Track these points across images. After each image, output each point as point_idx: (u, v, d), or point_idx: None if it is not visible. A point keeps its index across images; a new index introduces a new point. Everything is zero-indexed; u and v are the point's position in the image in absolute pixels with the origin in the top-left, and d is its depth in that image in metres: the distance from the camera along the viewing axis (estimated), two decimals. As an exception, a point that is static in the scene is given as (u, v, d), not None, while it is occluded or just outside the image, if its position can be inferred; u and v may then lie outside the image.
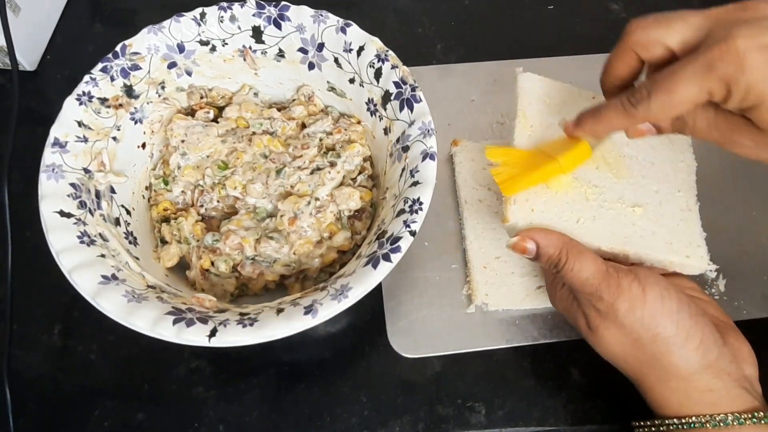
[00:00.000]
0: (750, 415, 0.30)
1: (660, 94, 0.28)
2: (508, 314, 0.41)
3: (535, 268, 0.42)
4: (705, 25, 0.28)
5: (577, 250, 0.32)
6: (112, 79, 0.39)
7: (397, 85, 0.38)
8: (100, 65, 0.39)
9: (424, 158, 0.35)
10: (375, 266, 0.32)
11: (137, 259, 0.37)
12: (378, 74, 0.39)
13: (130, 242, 0.38)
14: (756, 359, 0.33)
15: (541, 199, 0.35)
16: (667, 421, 0.32)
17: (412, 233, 0.33)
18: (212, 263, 0.38)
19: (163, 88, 0.42)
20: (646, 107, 0.29)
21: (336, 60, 0.41)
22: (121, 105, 0.40)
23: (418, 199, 0.34)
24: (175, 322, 0.30)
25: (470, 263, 0.42)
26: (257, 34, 0.41)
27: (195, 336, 0.30)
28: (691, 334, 0.31)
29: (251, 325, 0.30)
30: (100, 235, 0.35)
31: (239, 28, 0.41)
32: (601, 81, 0.35)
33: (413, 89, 0.38)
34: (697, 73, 0.27)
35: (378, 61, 0.39)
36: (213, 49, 0.42)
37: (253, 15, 0.41)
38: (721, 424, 0.30)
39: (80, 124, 0.38)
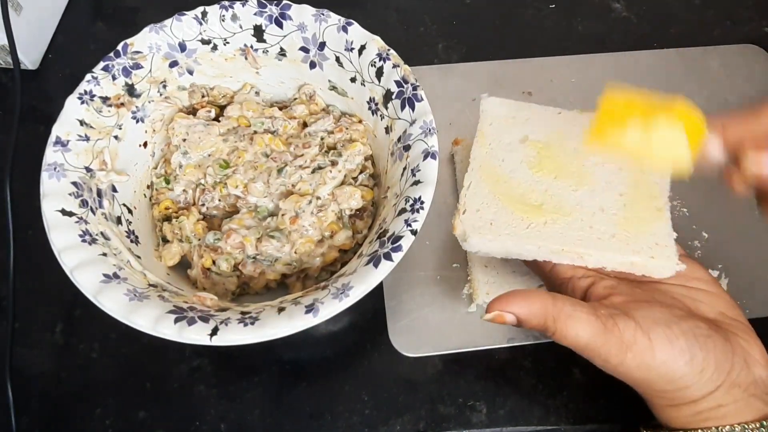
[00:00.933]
0: (758, 425, 0.29)
1: None
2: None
3: None
4: None
5: (565, 313, 0.29)
6: (114, 77, 0.39)
7: (398, 84, 0.38)
8: (101, 64, 0.39)
9: (425, 157, 0.35)
10: (376, 265, 0.32)
11: (139, 257, 0.37)
12: (379, 73, 0.39)
13: (131, 241, 0.38)
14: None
15: (491, 209, 0.35)
16: None
17: (414, 232, 0.33)
18: (213, 262, 0.38)
19: (164, 86, 0.42)
20: None
21: (337, 59, 0.41)
22: (122, 104, 0.40)
23: (420, 198, 0.34)
24: (176, 320, 0.30)
25: (471, 262, 0.42)
26: (258, 33, 0.41)
27: (196, 335, 0.30)
28: (705, 366, 0.29)
29: (252, 323, 0.30)
30: (101, 233, 0.35)
31: (241, 27, 0.41)
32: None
33: (414, 88, 0.38)
34: None
35: (379, 60, 0.39)
36: (214, 48, 0.42)
37: (255, 14, 0.41)
38: None
39: (82, 122, 0.38)
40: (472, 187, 0.37)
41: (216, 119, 0.44)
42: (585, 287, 0.33)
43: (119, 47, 0.40)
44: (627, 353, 0.29)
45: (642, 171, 0.37)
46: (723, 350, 0.30)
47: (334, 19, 0.40)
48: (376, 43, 0.39)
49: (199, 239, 0.39)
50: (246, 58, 0.43)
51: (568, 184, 0.36)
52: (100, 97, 0.39)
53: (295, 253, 0.38)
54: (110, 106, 0.39)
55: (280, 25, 0.41)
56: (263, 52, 0.42)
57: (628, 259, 0.33)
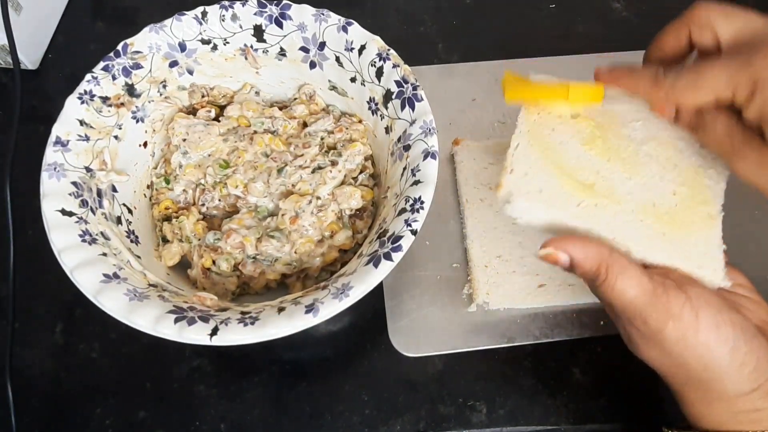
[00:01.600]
0: None
1: (690, 73, 0.28)
2: (509, 313, 0.41)
3: (536, 267, 0.42)
4: (763, 29, 0.28)
5: (619, 265, 0.29)
6: (114, 77, 0.39)
7: (398, 84, 0.38)
8: (101, 64, 0.39)
9: (425, 157, 0.35)
10: (376, 265, 0.32)
11: (139, 257, 0.37)
12: (379, 73, 0.39)
13: (131, 241, 0.38)
14: None
15: (542, 174, 0.33)
16: None
17: (414, 232, 0.33)
18: (213, 262, 0.38)
19: (164, 86, 0.42)
20: (672, 81, 0.29)
21: (337, 59, 0.41)
22: (122, 104, 0.40)
23: (420, 197, 0.34)
24: (176, 320, 0.30)
25: (471, 262, 0.42)
26: (258, 32, 0.41)
27: (196, 334, 0.30)
28: (746, 361, 0.29)
29: (252, 323, 0.30)
30: (101, 233, 0.35)
31: (241, 26, 0.41)
32: (647, 51, 0.34)
33: (414, 88, 0.38)
34: (731, 66, 0.27)
35: (379, 60, 0.39)
36: (214, 47, 0.42)
37: (255, 14, 0.41)
38: None
39: (82, 122, 0.38)
40: (521, 149, 0.33)
41: (216, 119, 0.44)
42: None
43: (119, 47, 0.40)
44: (669, 322, 0.28)
45: (696, 172, 0.34)
46: (766, 354, 0.29)
47: (334, 19, 0.40)
48: (376, 43, 0.39)
49: (199, 239, 0.39)
50: (246, 58, 0.43)
51: (620, 170, 0.34)
52: (100, 97, 0.39)
53: (295, 253, 0.38)
54: (110, 106, 0.39)
55: (280, 25, 0.41)
56: (263, 52, 0.42)
57: (675, 264, 0.31)
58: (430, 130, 0.36)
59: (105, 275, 0.32)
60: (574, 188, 0.33)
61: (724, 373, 0.29)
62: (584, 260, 0.29)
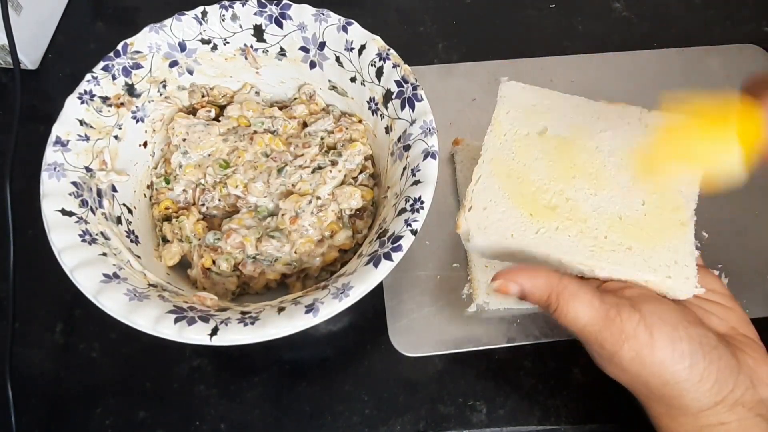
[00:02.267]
0: None
1: None
2: (509, 313, 0.41)
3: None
4: None
5: (569, 293, 0.29)
6: (114, 77, 0.39)
7: (398, 84, 0.38)
8: (101, 64, 0.39)
9: (425, 157, 0.35)
10: (376, 265, 0.32)
11: (139, 257, 0.37)
12: (379, 73, 0.39)
13: (131, 241, 0.38)
14: None
15: (499, 208, 0.33)
16: None
17: (414, 232, 0.33)
18: (213, 262, 0.38)
19: (164, 86, 0.42)
20: None
21: (337, 59, 0.41)
22: (122, 103, 0.40)
23: (420, 197, 0.34)
24: (176, 320, 0.30)
25: (471, 262, 0.42)
26: (258, 32, 0.41)
27: (196, 334, 0.30)
28: (705, 376, 0.28)
29: (252, 323, 0.30)
30: (101, 233, 0.35)
31: (240, 26, 0.41)
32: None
33: (414, 88, 0.38)
34: None
35: (379, 60, 0.39)
36: (214, 47, 0.42)
37: (255, 14, 0.41)
38: None
39: (82, 122, 0.38)
40: (481, 181, 0.34)
41: (216, 119, 0.44)
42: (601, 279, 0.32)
43: (119, 47, 0.40)
44: (624, 344, 0.28)
45: (669, 178, 0.34)
46: (728, 365, 0.29)
47: (334, 18, 0.40)
48: (376, 43, 0.39)
49: (199, 239, 0.39)
50: (246, 58, 0.43)
51: (586, 187, 0.34)
52: (100, 97, 0.39)
53: (295, 253, 0.38)
54: (110, 105, 0.39)
55: (280, 24, 0.41)
56: (263, 51, 0.42)
57: (643, 277, 0.31)
58: (430, 130, 0.36)
59: (105, 275, 0.32)
60: (536, 213, 0.33)
61: (683, 390, 0.29)
62: (534, 289, 0.30)
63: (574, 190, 0.34)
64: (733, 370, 0.29)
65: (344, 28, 0.40)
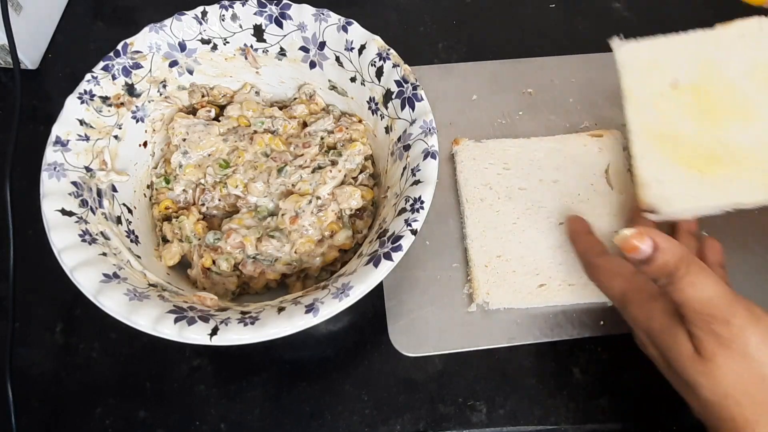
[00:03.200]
0: None
1: None
2: (509, 313, 0.41)
3: (536, 267, 0.42)
4: None
5: (700, 265, 0.28)
6: (114, 77, 0.39)
7: (398, 83, 0.38)
8: (101, 64, 0.39)
9: (425, 157, 0.35)
10: (376, 265, 0.32)
11: (138, 257, 0.37)
12: (379, 73, 0.39)
13: (131, 241, 0.38)
14: None
15: (669, 176, 0.34)
16: None
17: (414, 232, 0.33)
18: (213, 262, 0.38)
19: (164, 86, 0.42)
20: None
21: (337, 59, 0.41)
22: (122, 103, 0.40)
23: (420, 197, 0.34)
24: (176, 320, 0.30)
25: (471, 262, 0.42)
26: (258, 32, 0.41)
27: (196, 334, 0.30)
28: None
29: (252, 323, 0.30)
30: (101, 233, 0.35)
31: (240, 26, 0.41)
32: None
33: (414, 88, 0.38)
34: None
35: (379, 60, 0.39)
36: (214, 47, 0.42)
37: (255, 13, 0.41)
38: None
39: (82, 122, 0.38)
40: (645, 156, 0.35)
41: (216, 119, 0.44)
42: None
43: (119, 47, 0.40)
44: (753, 324, 0.27)
45: None
46: None
47: (334, 18, 0.40)
48: (376, 43, 0.39)
49: (199, 239, 0.39)
50: (246, 58, 0.43)
51: (738, 124, 0.34)
52: (100, 97, 0.39)
53: (295, 252, 0.38)
54: (110, 105, 0.39)
55: (280, 24, 0.41)
56: (263, 51, 0.42)
57: None
58: (430, 130, 0.36)
59: (105, 275, 0.32)
60: (704, 167, 0.33)
61: None
62: (667, 252, 0.28)
63: (727, 131, 0.34)
64: None
65: (344, 28, 0.40)
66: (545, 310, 0.41)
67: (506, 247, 0.42)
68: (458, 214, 0.45)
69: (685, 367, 0.30)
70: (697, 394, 0.30)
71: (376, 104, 0.40)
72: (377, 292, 0.41)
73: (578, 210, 0.43)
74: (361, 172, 0.42)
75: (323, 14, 0.40)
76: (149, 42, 0.40)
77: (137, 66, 0.40)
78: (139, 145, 0.42)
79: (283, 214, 0.39)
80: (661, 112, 0.35)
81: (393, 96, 0.39)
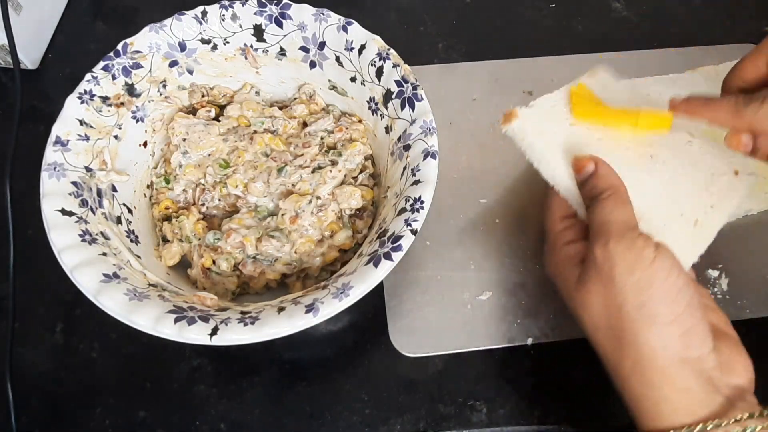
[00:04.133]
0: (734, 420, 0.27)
1: None
2: (510, 312, 0.41)
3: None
4: None
5: (621, 196, 0.31)
6: (114, 77, 0.39)
7: (398, 83, 0.38)
8: (101, 63, 0.39)
9: (425, 157, 0.35)
10: (376, 265, 0.32)
11: (139, 257, 0.37)
12: (379, 73, 0.39)
13: (131, 240, 0.38)
14: (752, 374, 0.30)
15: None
16: None
17: (414, 232, 0.33)
18: (213, 262, 0.38)
19: (164, 86, 0.42)
20: (754, 110, 0.29)
21: (337, 58, 0.41)
22: (122, 103, 0.40)
23: (420, 197, 0.34)
24: (176, 320, 0.30)
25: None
26: (258, 32, 0.41)
27: (196, 334, 0.30)
28: (680, 321, 0.29)
29: (252, 323, 0.30)
30: (101, 233, 0.35)
31: (240, 26, 0.41)
32: (725, 80, 0.34)
33: (414, 88, 0.38)
34: None
35: (379, 60, 0.39)
36: (214, 47, 0.42)
37: (255, 13, 0.41)
38: None
39: (82, 122, 0.38)
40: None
41: (216, 119, 0.44)
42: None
43: (119, 47, 0.40)
44: (627, 250, 0.30)
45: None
46: (704, 330, 0.29)
47: (334, 18, 0.40)
48: (376, 43, 0.39)
49: (199, 239, 0.39)
50: (246, 58, 0.43)
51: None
52: (100, 97, 0.39)
53: (295, 252, 0.38)
54: (110, 105, 0.39)
55: (280, 24, 0.41)
56: (263, 51, 0.42)
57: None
58: (430, 130, 0.36)
59: (105, 275, 0.32)
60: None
61: (654, 321, 0.28)
62: (603, 177, 0.32)
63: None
64: (707, 341, 0.29)
65: (344, 28, 0.40)
66: (545, 311, 0.41)
67: None
68: (458, 214, 0.45)
69: (570, 299, 0.31)
70: (582, 328, 0.31)
71: (376, 104, 0.40)
72: (377, 292, 0.41)
73: None
74: (361, 172, 0.42)
75: (323, 14, 0.40)
76: (149, 42, 0.40)
77: (137, 66, 0.40)
78: (139, 145, 0.42)
79: (283, 214, 0.39)
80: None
81: (393, 96, 0.39)
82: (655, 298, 0.29)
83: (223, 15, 0.41)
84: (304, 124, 0.44)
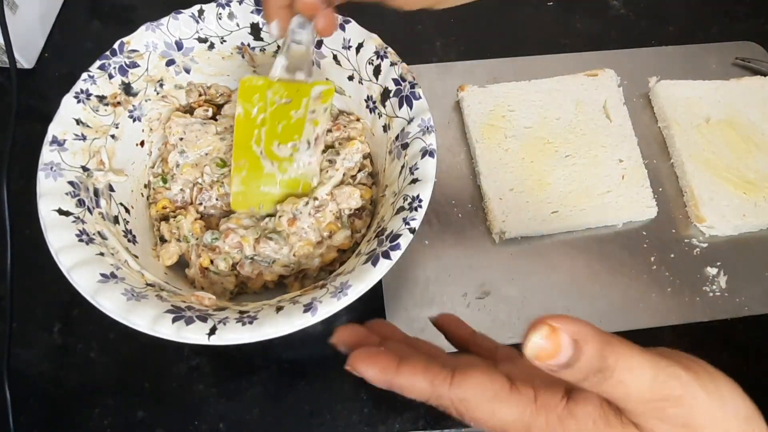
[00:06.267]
0: None
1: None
2: (509, 312, 0.41)
3: (548, 196, 0.44)
4: None
5: (621, 342, 0.20)
6: (111, 76, 0.39)
7: (396, 82, 0.38)
8: (98, 63, 0.39)
9: (423, 155, 0.35)
10: (375, 264, 0.32)
11: (136, 257, 0.37)
12: (377, 71, 0.39)
13: (129, 240, 0.38)
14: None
15: (720, 194, 0.44)
16: None
17: (412, 231, 0.32)
18: (211, 261, 0.38)
19: (161, 85, 0.42)
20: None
21: (335, 57, 0.41)
22: (119, 103, 0.40)
23: (418, 196, 0.34)
24: (174, 320, 0.30)
25: (486, 196, 0.44)
26: (255, 31, 0.41)
27: (194, 334, 0.30)
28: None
29: (251, 323, 0.30)
30: (98, 233, 0.35)
31: (237, 25, 0.41)
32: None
33: (412, 86, 0.38)
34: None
35: (377, 58, 0.39)
36: (211, 46, 0.42)
37: (252, 12, 0.41)
38: None
39: (78, 122, 0.38)
40: (696, 176, 0.44)
41: (213, 118, 0.43)
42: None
43: (116, 46, 0.39)
44: (700, 388, 0.20)
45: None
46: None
47: (332, 16, 0.40)
48: (373, 41, 0.39)
49: (197, 238, 0.39)
50: (243, 57, 0.43)
51: (761, 155, 0.45)
52: (97, 96, 0.39)
53: (294, 255, 0.38)
54: (107, 104, 0.39)
55: (277, 23, 0.41)
56: (260, 50, 0.42)
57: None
58: (428, 129, 0.36)
59: (102, 275, 0.32)
60: (748, 191, 0.44)
61: None
62: (589, 338, 0.20)
63: (755, 161, 0.45)
64: None
65: (342, 26, 0.39)
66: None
67: (517, 181, 0.45)
68: (458, 213, 0.45)
69: None
70: None
71: (374, 102, 0.40)
72: (376, 291, 0.41)
73: (581, 142, 0.47)
74: (359, 170, 0.41)
75: (321, 12, 0.40)
76: (146, 41, 0.40)
77: (134, 65, 0.40)
78: (137, 145, 0.42)
79: (280, 216, 0.38)
80: (702, 141, 0.45)
81: (391, 94, 0.39)
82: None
83: (220, 13, 0.41)
84: (302, 123, 0.44)
